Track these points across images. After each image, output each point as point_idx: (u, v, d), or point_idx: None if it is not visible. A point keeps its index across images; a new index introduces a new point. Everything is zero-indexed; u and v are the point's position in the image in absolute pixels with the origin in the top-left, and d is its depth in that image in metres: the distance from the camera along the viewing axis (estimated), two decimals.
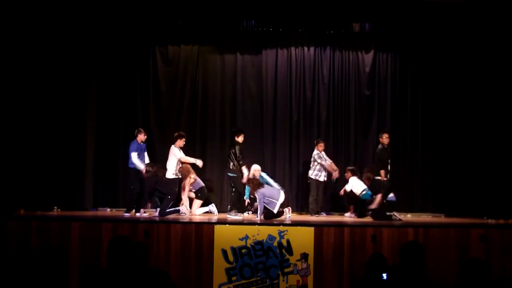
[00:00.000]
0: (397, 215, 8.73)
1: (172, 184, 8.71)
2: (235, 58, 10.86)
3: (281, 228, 7.04)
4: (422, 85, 10.76)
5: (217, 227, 7.02)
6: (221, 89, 10.84)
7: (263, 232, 6.98)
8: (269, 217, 8.06)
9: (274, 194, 8.25)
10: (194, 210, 9.06)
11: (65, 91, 9.85)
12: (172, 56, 10.87)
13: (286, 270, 6.89)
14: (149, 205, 9.11)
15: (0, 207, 8.41)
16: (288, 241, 6.94)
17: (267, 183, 9.06)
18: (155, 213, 8.45)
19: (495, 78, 9.66)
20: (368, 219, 8.86)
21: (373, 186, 9.19)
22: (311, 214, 9.58)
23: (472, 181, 9.93)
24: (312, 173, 9.78)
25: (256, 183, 8.37)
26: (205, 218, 8.29)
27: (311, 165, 9.84)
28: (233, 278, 6.87)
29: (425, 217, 10.05)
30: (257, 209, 8.37)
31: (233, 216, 8.62)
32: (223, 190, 10.51)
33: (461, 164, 10.23)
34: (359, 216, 9.17)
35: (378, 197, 9.05)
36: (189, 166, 9.05)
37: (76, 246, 6.93)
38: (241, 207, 9.31)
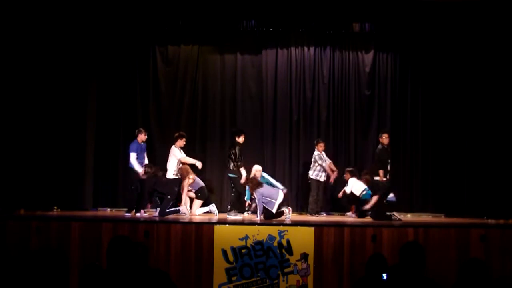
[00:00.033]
0: (397, 215, 8.73)
1: (171, 184, 8.71)
2: (235, 58, 10.86)
3: (281, 228, 7.04)
4: (422, 85, 10.76)
5: (217, 227, 7.02)
6: (221, 89, 10.84)
7: (263, 232, 6.98)
8: (269, 217, 8.06)
9: (273, 194, 8.25)
10: (194, 210, 9.06)
11: (65, 91, 9.85)
12: (172, 56, 10.87)
13: (286, 270, 6.89)
14: (149, 205, 9.11)
15: (0, 207, 8.40)
16: (288, 241, 6.94)
17: (269, 183, 9.08)
18: (155, 213, 8.45)
19: (495, 78, 9.66)
20: (368, 219, 8.86)
21: (372, 187, 9.18)
22: (311, 214, 9.58)
23: (472, 181, 9.93)
24: (312, 174, 9.78)
25: (255, 183, 8.36)
26: (205, 218, 8.29)
27: (311, 166, 9.84)
28: (233, 278, 6.87)
29: (425, 217, 10.05)
30: (256, 209, 8.36)
31: (233, 216, 8.63)
32: (223, 190, 10.51)
33: (461, 164, 10.23)
34: (359, 216, 9.16)
35: (374, 198, 9.05)
36: (188, 167, 9.05)
37: (76, 246, 6.93)
38: (241, 207, 9.33)
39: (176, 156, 9.16)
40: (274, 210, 8.08)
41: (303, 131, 10.79)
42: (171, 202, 8.48)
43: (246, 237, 6.95)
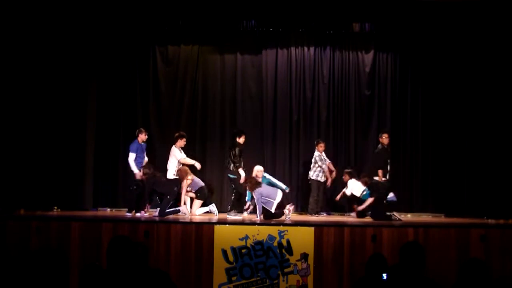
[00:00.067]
0: (397, 215, 8.73)
1: (170, 184, 8.71)
2: (235, 58, 10.86)
3: (281, 228, 7.04)
4: (422, 85, 10.76)
5: (217, 227, 7.02)
6: (221, 89, 10.84)
7: (263, 232, 6.98)
8: (269, 217, 8.06)
9: (272, 193, 8.25)
10: (194, 210, 9.06)
11: (65, 91, 9.85)
12: (172, 56, 10.87)
13: (286, 270, 6.89)
14: (148, 206, 9.09)
15: (0, 207, 8.40)
16: (288, 241, 6.94)
17: (272, 183, 9.09)
18: (155, 213, 8.45)
19: (495, 78, 9.66)
20: (368, 219, 8.86)
21: (371, 188, 9.14)
22: (311, 214, 9.58)
23: (472, 181, 9.93)
24: (313, 174, 9.79)
25: (254, 183, 8.36)
26: (205, 218, 8.29)
27: (311, 166, 9.85)
28: (233, 278, 6.87)
29: (425, 217, 10.05)
30: (254, 209, 8.35)
31: (233, 216, 8.63)
32: (223, 190, 10.51)
33: (461, 164, 10.23)
34: (359, 216, 9.16)
35: (370, 199, 9.05)
36: (186, 168, 9.06)
37: (76, 246, 6.93)
38: (241, 208, 9.32)
39: (176, 157, 9.16)
40: (272, 210, 8.08)
41: (303, 131, 10.79)
42: (171, 202, 8.47)
43: (246, 237, 6.95)
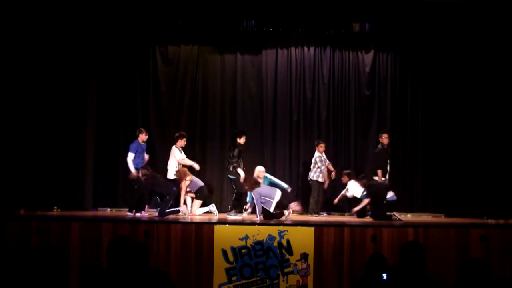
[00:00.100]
0: (397, 215, 8.72)
1: (169, 184, 8.71)
2: (235, 58, 10.86)
3: (281, 228, 7.04)
4: (422, 85, 10.76)
5: (217, 227, 7.02)
6: (221, 89, 10.84)
7: (263, 232, 6.98)
8: (269, 217, 8.06)
9: (271, 193, 8.25)
10: (194, 210, 9.06)
11: (65, 91, 9.85)
12: (172, 56, 10.87)
13: (286, 270, 6.89)
14: (147, 206, 9.06)
15: (0, 207, 8.40)
16: (288, 241, 6.94)
17: (273, 183, 9.10)
18: (155, 213, 8.45)
19: (495, 78, 9.66)
20: (368, 219, 8.85)
21: (368, 189, 9.10)
22: (311, 214, 9.58)
23: (472, 181, 9.93)
24: (313, 175, 9.80)
25: (253, 182, 8.37)
26: (205, 218, 8.28)
27: (311, 167, 9.86)
28: (233, 278, 6.87)
29: (425, 217, 10.05)
30: (254, 209, 8.35)
31: (233, 216, 8.63)
32: (223, 190, 10.51)
33: (461, 164, 10.23)
34: (359, 216, 9.16)
35: (365, 201, 9.05)
36: (185, 169, 9.07)
37: (76, 246, 6.93)
38: (241, 208, 9.32)
39: (175, 157, 9.17)
40: (271, 209, 8.08)
41: (303, 131, 10.79)
42: (170, 202, 8.48)
43: (246, 237, 6.94)
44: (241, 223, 7.65)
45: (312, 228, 7.04)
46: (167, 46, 10.86)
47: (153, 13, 10.26)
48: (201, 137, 10.75)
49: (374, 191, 8.95)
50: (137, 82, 10.71)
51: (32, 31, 9.50)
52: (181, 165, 9.21)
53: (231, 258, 6.89)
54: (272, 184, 9.14)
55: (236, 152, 9.01)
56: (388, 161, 9.56)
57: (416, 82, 10.81)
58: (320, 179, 9.76)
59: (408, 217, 9.70)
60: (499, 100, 9.59)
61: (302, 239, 6.97)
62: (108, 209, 10.17)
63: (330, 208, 10.27)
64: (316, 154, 9.83)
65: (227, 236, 6.96)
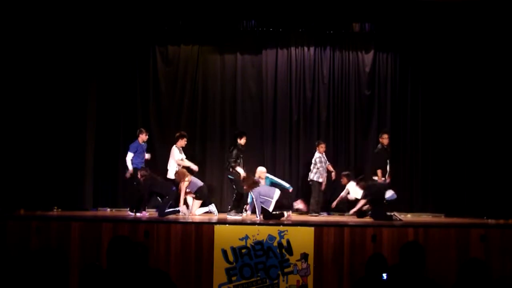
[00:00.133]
0: (397, 215, 8.72)
1: (168, 185, 8.71)
2: (235, 58, 10.86)
3: (281, 228, 7.04)
4: (422, 85, 10.76)
5: (217, 227, 7.02)
6: (221, 89, 10.84)
7: (263, 232, 6.98)
8: (269, 217, 8.06)
9: (270, 192, 8.26)
10: (194, 210, 9.06)
11: (65, 91, 9.85)
12: (172, 56, 10.87)
13: (286, 270, 6.89)
14: (144, 208, 9.04)
15: (0, 207, 8.40)
16: (288, 241, 6.94)
17: (275, 183, 9.11)
18: (156, 213, 8.46)
19: (495, 78, 9.66)
20: (368, 219, 8.85)
21: (366, 190, 9.08)
22: (311, 214, 9.58)
23: (472, 181, 9.93)
24: (313, 176, 9.81)
25: (251, 182, 8.37)
26: (205, 218, 8.28)
27: (311, 167, 9.87)
28: (233, 278, 6.87)
29: (425, 217, 10.05)
30: (253, 210, 8.35)
31: (233, 216, 8.63)
32: (223, 190, 10.51)
33: (461, 164, 10.23)
34: (359, 216, 9.16)
35: (361, 202, 9.05)
36: (184, 170, 9.07)
37: (76, 246, 6.93)
38: (241, 208, 9.31)
39: (174, 157, 9.18)
40: (270, 209, 8.08)
41: (303, 131, 10.79)
42: (170, 202, 8.48)
43: (246, 237, 6.94)
44: (241, 223, 7.66)
45: (312, 228, 7.04)
46: (167, 46, 10.86)
47: (153, 13, 10.26)
48: (201, 137, 10.75)
49: (373, 191, 8.93)
50: (137, 82, 10.71)
51: (32, 31, 9.50)
52: (181, 166, 9.21)
53: (231, 258, 6.89)
54: (274, 185, 9.15)
55: (235, 152, 9.02)
56: (388, 161, 9.55)
57: (416, 82, 10.81)
58: (320, 180, 9.78)
59: (408, 217, 9.70)
60: (499, 100, 9.59)
61: (302, 239, 6.97)
62: (108, 209, 10.17)
63: (330, 208, 10.26)
64: (317, 154, 9.84)
65: (227, 236, 6.95)
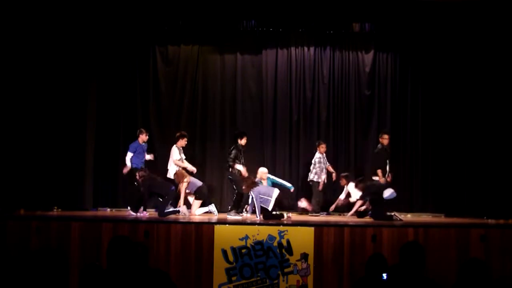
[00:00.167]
0: (397, 215, 8.72)
1: (167, 185, 8.71)
2: (235, 58, 10.86)
3: (281, 228, 7.04)
4: (422, 85, 10.77)
5: (217, 227, 7.02)
6: (221, 89, 10.84)
7: (263, 232, 6.98)
8: (269, 216, 8.06)
9: (269, 191, 8.28)
10: (194, 210, 9.06)
11: (65, 91, 9.85)
12: (172, 56, 10.87)
13: (286, 270, 6.89)
14: (141, 208, 9.02)
15: (0, 207, 8.40)
16: (288, 241, 6.94)
17: (276, 184, 9.11)
18: (156, 213, 8.46)
19: (495, 78, 9.65)
20: (368, 219, 8.85)
21: (364, 191, 9.07)
22: (311, 214, 9.58)
23: (472, 181, 9.93)
24: (313, 176, 9.82)
25: (251, 182, 8.37)
26: (205, 218, 8.29)
27: (311, 167, 9.88)
28: (233, 278, 6.87)
29: (425, 217, 10.05)
30: (253, 210, 8.35)
31: (233, 216, 8.63)
32: (223, 190, 10.52)
33: (461, 164, 10.23)
34: (359, 216, 9.16)
35: (358, 203, 9.04)
36: (183, 171, 9.08)
37: (76, 246, 6.93)
38: (241, 208, 9.32)
39: (172, 157, 9.18)
40: (270, 207, 8.09)
41: (303, 131, 10.79)
42: (170, 202, 8.47)
43: (246, 237, 6.94)
44: (241, 223, 7.65)
45: (312, 228, 7.04)
46: (167, 46, 10.86)
47: (153, 13, 10.26)
48: (201, 137, 10.76)
49: (373, 191, 8.93)
50: (137, 82, 10.71)
51: (32, 31, 9.49)
52: (180, 166, 9.23)
53: (231, 258, 6.89)
54: (275, 185, 9.15)
55: (234, 152, 9.02)
56: (388, 161, 9.55)
57: (416, 82, 10.81)
58: (318, 180, 9.79)
59: (408, 217, 9.70)
60: (499, 100, 9.59)
61: (302, 239, 6.96)
62: (108, 209, 10.16)
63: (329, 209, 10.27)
64: (317, 154, 9.85)
65: (227, 236, 6.95)
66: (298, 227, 7.23)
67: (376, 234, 7.00)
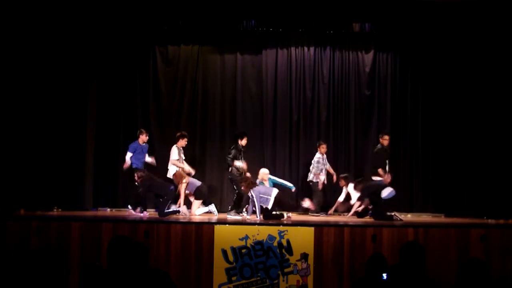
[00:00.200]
0: (397, 215, 8.72)
1: (166, 185, 8.70)
2: (235, 58, 10.86)
3: (281, 228, 7.04)
4: (422, 85, 10.77)
5: (217, 227, 7.02)
6: (221, 89, 10.84)
7: (263, 232, 6.98)
8: (269, 216, 8.06)
9: (268, 191, 8.29)
10: (194, 210, 9.06)
11: (65, 91, 9.84)
12: (172, 56, 10.87)
13: (286, 270, 6.89)
14: (138, 209, 9.01)
15: (0, 207, 8.40)
16: (288, 241, 6.94)
17: (278, 184, 9.12)
18: (156, 213, 8.46)
19: (495, 78, 9.65)
20: (368, 219, 8.85)
21: (367, 190, 9.07)
22: (311, 214, 9.58)
23: (472, 181, 9.93)
24: (313, 176, 9.82)
25: (250, 182, 8.37)
26: (205, 218, 8.29)
27: (311, 168, 9.88)
28: (233, 278, 6.87)
29: (425, 217, 10.05)
30: (254, 210, 8.36)
31: (233, 216, 8.63)
32: (223, 190, 10.52)
33: (461, 164, 10.23)
34: (359, 216, 9.16)
35: (356, 204, 9.04)
36: (182, 172, 9.08)
37: (76, 246, 6.93)
38: (241, 208, 9.32)
39: (171, 157, 9.18)
40: (269, 206, 8.09)
41: (303, 131, 10.79)
42: (169, 202, 8.48)
43: (246, 237, 6.94)
44: (241, 223, 7.65)
45: (312, 228, 7.04)
46: (167, 46, 10.86)
47: (153, 13, 10.26)
48: (201, 137, 10.76)
49: (372, 191, 8.93)
50: (137, 82, 10.71)
51: (32, 31, 9.49)
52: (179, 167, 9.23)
53: (231, 258, 6.89)
54: (277, 185, 9.15)
55: (233, 152, 9.03)
56: (387, 161, 9.55)
57: (416, 82, 10.81)
58: (316, 180, 9.79)
59: (408, 217, 9.70)
60: (499, 100, 9.59)
61: (302, 239, 6.96)
62: (108, 209, 10.16)
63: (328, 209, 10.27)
64: (317, 155, 9.86)
65: (227, 236, 6.95)
66: (298, 227, 7.23)
67: (376, 234, 7.00)
